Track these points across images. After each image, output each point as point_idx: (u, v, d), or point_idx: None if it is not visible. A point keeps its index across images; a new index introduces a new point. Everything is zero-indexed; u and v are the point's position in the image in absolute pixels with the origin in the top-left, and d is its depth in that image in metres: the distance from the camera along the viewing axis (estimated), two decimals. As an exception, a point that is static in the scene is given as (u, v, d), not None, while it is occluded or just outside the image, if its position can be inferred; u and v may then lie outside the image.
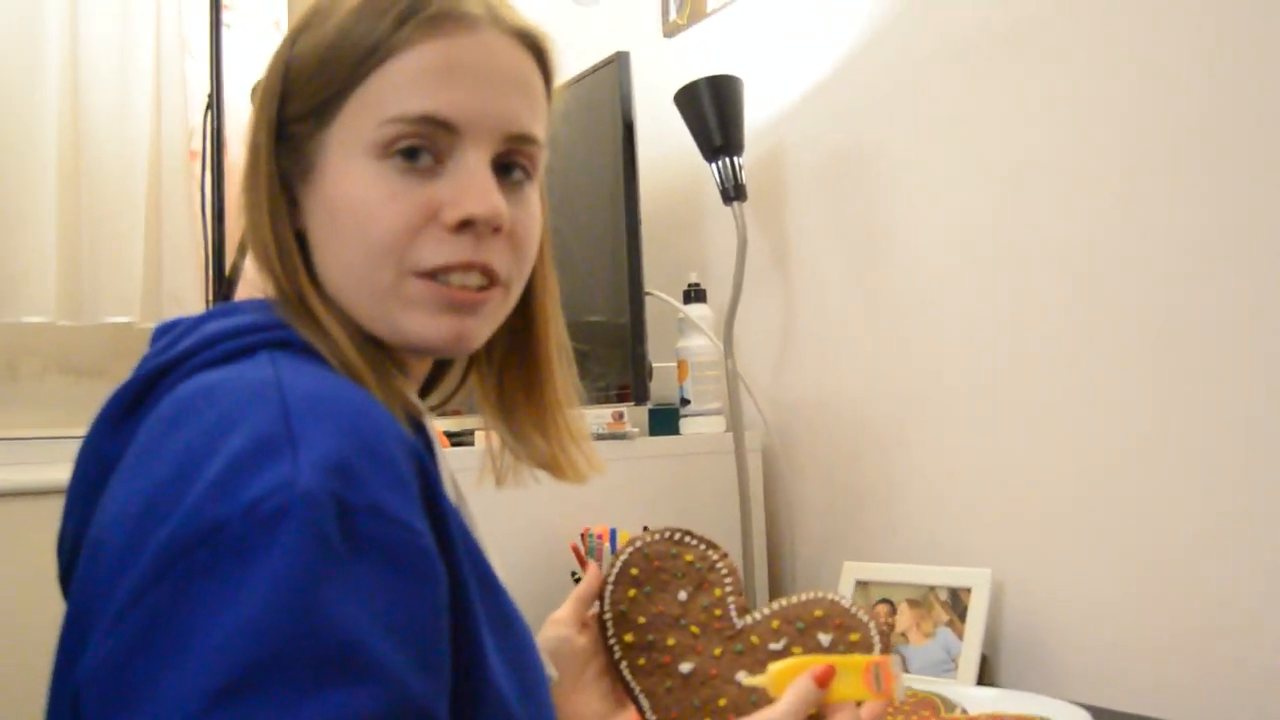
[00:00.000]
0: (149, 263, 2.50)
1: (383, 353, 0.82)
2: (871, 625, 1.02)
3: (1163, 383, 1.40)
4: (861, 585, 1.70)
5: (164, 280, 2.51)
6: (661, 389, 2.05)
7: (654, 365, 1.94)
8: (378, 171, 0.78)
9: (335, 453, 0.65)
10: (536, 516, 1.70)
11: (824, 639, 1.01)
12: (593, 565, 1.12)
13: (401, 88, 0.78)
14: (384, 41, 0.78)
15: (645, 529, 1.68)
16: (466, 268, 0.80)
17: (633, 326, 1.80)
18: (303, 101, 0.81)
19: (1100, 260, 1.47)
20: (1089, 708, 1.31)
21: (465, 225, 0.79)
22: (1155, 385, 1.41)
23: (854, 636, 1.02)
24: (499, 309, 0.85)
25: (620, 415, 1.81)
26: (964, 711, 1.31)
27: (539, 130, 0.85)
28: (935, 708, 1.32)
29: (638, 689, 1.04)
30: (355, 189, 0.78)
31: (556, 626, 1.07)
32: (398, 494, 0.66)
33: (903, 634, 1.61)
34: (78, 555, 0.74)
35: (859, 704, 0.90)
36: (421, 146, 0.78)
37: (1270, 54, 1.29)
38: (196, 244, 2.42)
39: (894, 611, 1.64)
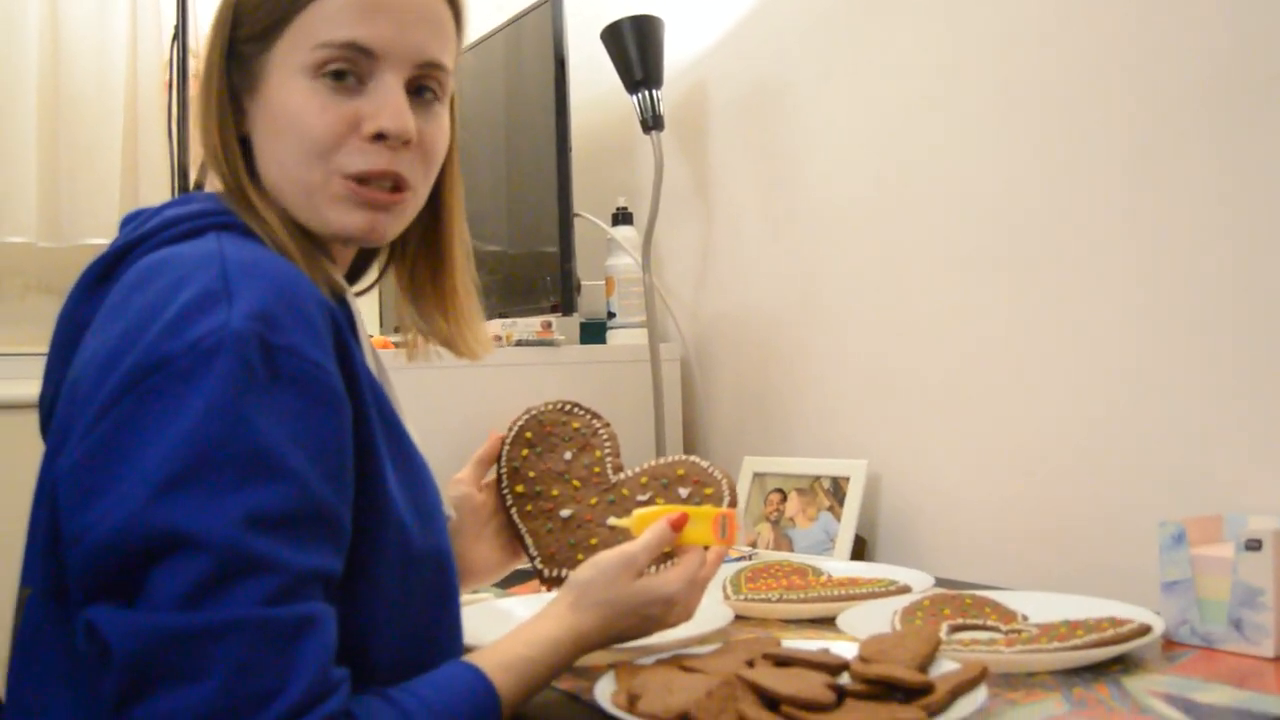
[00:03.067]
0: (125, 187, 2.64)
1: (310, 239, 1.00)
2: (724, 482, 1.21)
3: (1019, 296, 1.60)
4: (758, 476, 1.91)
5: (140, 203, 2.65)
6: (593, 304, 2.24)
7: (584, 282, 2.14)
8: (311, 88, 0.96)
9: (262, 304, 0.83)
10: (471, 410, 1.89)
11: (683, 492, 1.21)
12: (493, 432, 1.29)
13: (332, 18, 0.95)
14: None
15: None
16: (381, 175, 0.98)
17: (561, 245, 1.99)
18: (251, 26, 0.98)
19: (970, 192, 1.67)
20: (939, 578, 1.52)
21: (380, 137, 0.96)
22: (1012, 300, 1.61)
23: (708, 490, 1.22)
24: (408, 209, 1.03)
25: (548, 324, 1.99)
26: (830, 576, 1.52)
27: (447, 59, 1.02)
28: (804, 573, 1.53)
29: (523, 529, 1.23)
30: (292, 101, 0.96)
31: (458, 485, 1.27)
32: (312, 339, 0.85)
33: (791, 519, 1.82)
34: (56, 403, 0.93)
35: (706, 548, 1.10)
36: (346, 69, 0.96)
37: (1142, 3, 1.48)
38: (170, 169, 2.57)
39: (784, 499, 1.84)
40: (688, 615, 1.08)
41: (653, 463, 1.24)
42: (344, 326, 0.91)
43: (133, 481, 0.78)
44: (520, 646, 0.96)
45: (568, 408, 1.30)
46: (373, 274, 1.17)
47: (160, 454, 0.78)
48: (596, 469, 1.25)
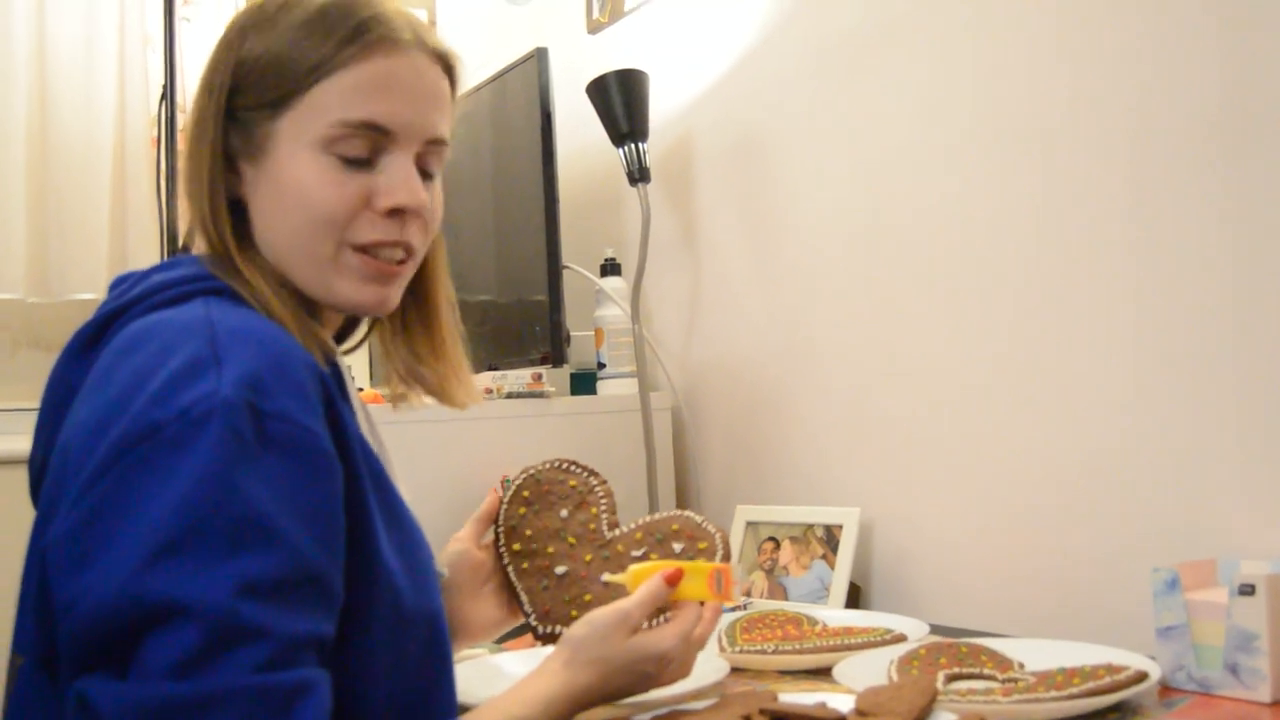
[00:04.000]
0: (114, 243, 2.66)
1: (301, 303, 1.00)
2: (718, 537, 1.21)
3: (1009, 341, 1.60)
4: (751, 525, 1.90)
5: (128, 259, 2.67)
6: (583, 355, 2.25)
7: (573, 333, 2.14)
8: (323, 163, 0.97)
9: (251, 371, 0.84)
10: (463, 463, 1.89)
11: (677, 547, 1.21)
12: (492, 490, 1.30)
13: (346, 96, 0.96)
14: (331, 58, 0.96)
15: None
16: (394, 245, 1.00)
17: (551, 297, 1.99)
18: (256, 95, 0.98)
19: (955, 237, 1.68)
20: (934, 625, 1.51)
21: (395, 212, 0.99)
22: (1002, 345, 1.61)
23: (702, 545, 1.22)
24: (409, 277, 1.05)
25: (539, 376, 2.00)
26: (825, 625, 1.51)
27: (447, 133, 1.05)
28: (799, 623, 1.52)
29: (519, 587, 1.23)
30: (303, 175, 0.97)
31: (457, 542, 1.27)
32: (301, 404, 0.86)
33: (784, 567, 1.82)
34: (46, 468, 0.93)
35: (702, 603, 1.10)
36: (361, 145, 0.97)
37: (1116, 48, 1.50)
38: (158, 224, 2.58)
39: (778, 547, 1.84)
40: (685, 673, 1.07)
41: (647, 519, 1.24)
42: (334, 389, 0.92)
43: (123, 550, 0.78)
44: (514, 706, 0.96)
45: (565, 466, 1.31)
46: (360, 332, 1.17)
47: (151, 523, 0.78)
48: (592, 525, 1.25)
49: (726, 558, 1.19)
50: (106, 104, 2.64)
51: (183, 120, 2.20)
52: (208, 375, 0.83)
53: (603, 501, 1.28)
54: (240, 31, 1.00)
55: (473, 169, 2.26)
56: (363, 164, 0.98)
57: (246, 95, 0.98)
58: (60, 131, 2.59)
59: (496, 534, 1.27)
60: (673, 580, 1.08)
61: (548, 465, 1.31)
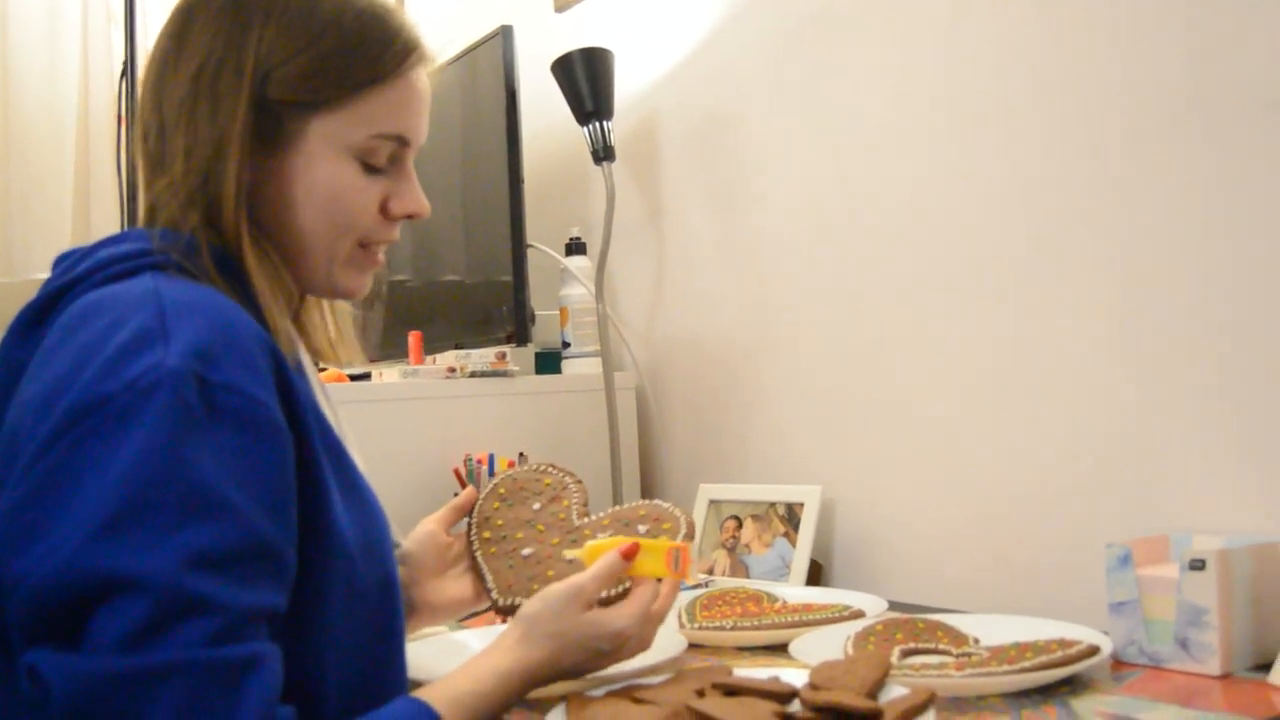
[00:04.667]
0: (77, 221, 2.64)
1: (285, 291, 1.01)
2: (682, 519, 1.22)
3: (970, 322, 1.61)
4: (714, 504, 1.91)
5: (92, 237, 2.64)
6: (548, 334, 2.25)
7: (538, 312, 2.14)
8: (353, 168, 1.01)
9: (198, 342, 0.83)
10: (427, 442, 1.89)
11: (641, 529, 1.21)
12: (471, 488, 1.33)
13: (389, 110, 1.01)
14: (383, 74, 1.00)
15: (521, 454, 1.88)
16: (390, 242, 1.07)
17: (515, 276, 1.99)
18: (293, 90, 0.97)
19: (917, 217, 1.68)
20: (892, 602, 1.52)
21: (406, 218, 1.05)
22: (963, 325, 1.62)
23: (666, 525, 1.22)
24: None
25: (503, 355, 1.99)
26: (785, 602, 1.52)
27: None
28: (759, 600, 1.53)
29: (484, 567, 1.23)
30: (337, 178, 1.00)
31: (427, 523, 1.29)
32: (250, 375, 0.85)
33: (746, 545, 1.82)
34: None
35: (660, 581, 1.10)
36: (385, 154, 1.02)
37: (1089, 23, 1.50)
38: (120, 202, 2.56)
39: (740, 526, 1.84)
40: (643, 647, 1.08)
41: (617, 507, 1.27)
42: (284, 359, 0.91)
43: (71, 524, 0.78)
44: (468, 681, 0.96)
45: (543, 468, 1.35)
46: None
47: (98, 495, 0.78)
48: (562, 515, 1.27)
49: (690, 537, 1.20)
50: (69, 80, 2.61)
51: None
52: (155, 347, 0.82)
53: (575, 497, 1.31)
54: (263, 13, 0.98)
55: (442, 149, 2.25)
56: (379, 170, 1.02)
57: (280, 87, 0.97)
58: (22, 108, 2.56)
59: (469, 525, 1.28)
60: (629, 554, 1.08)
61: (527, 467, 1.36)
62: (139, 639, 0.75)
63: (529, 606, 1.03)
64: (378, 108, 1.00)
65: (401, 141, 1.02)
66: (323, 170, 0.99)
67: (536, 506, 1.29)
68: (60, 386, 0.83)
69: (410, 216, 1.06)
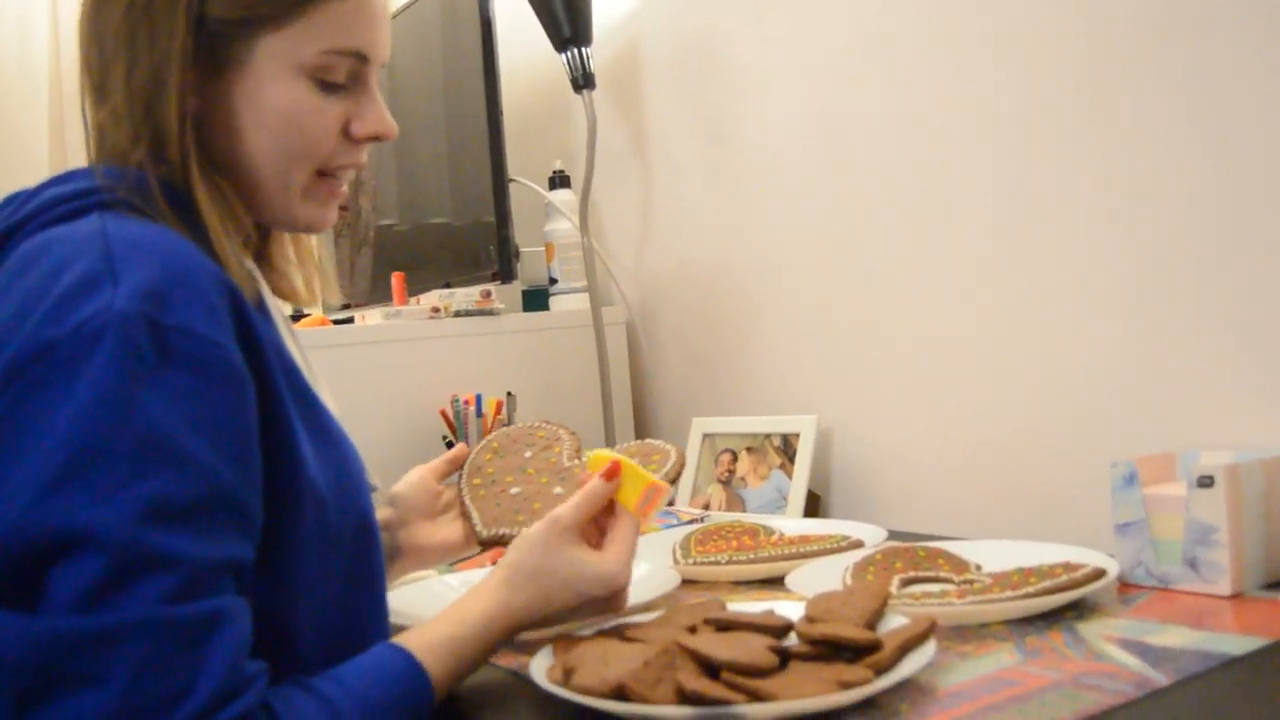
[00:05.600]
0: (54, 166, 2.58)
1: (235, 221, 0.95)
2: (672, 451, 1.19)
3: (965, 244, 1.56)
4: (708, 438, 1.87)
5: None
6: (535, 271, 2.20)
7: (523, 249, 2.09)
8: (304, 87, 0.93)
9: (148, 282, 0.79)
10: (412, 385, 1.85)
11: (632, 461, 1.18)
12: (463, 444, 1.33)
13: (342, 24, 0.93)
14: None
15: (509, 394, 1.84)
16: (356, 168, 1.00)
17: (497, 212, 1.93)
18: (236, 7, 0.90)
19: (913, 138, 1.62)
20: (892, 531, 1.49)
21: (370, 139, 0.98)
22: (959, 247, 1.57)
23: (655, 458, 1.19)
24: None
25: (488, 294, 1.95)
26: (781, 535, 1.49)
27: None
28: (755, 533, 1.49)
29: (471, 507, 1.20)
30: (288, 100, 0.93)
31: (419, 470, 1.26)
32: (205, 316, 0.80)
33: (742, 478, 1.79)
34: None
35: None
36: (342, 72, 0.95)
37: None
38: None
39: (735, 459, 1.81)
40: (626, 599, 1.03)
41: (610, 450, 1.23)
42: (244, 300, 0.86)
43: (19, 480, 0.74)
44: (450, 625, 0.92)
45: (537, 424, 1.33)
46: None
47: (47, 448, 0.74)
48: (553, 460, 1.25)
49: (680, 469, 1.16)
50: (40, 20, 2.55)
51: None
52: (102, 289, 0.78)
53: (567, 444, 1.29)
54: None
55: (422, 84, 2.19)
56: (337, 90, 0.95)
57: (220, 5, 0.91)
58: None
59: (460, 475, 1.26)
60: (611, 474, 1.03)
61: (521, 425, 1.34)
62: (95, 598, 0.72)
63: (511, 551, 0.99)
64: (327, 21, 0.92)
65: (359, 57, 0.95)
66: (273, 93, 0.92)
67: (528, 454, 1.27)
68: (4, 336, 0.78)
69: (376, 138, 0.98)
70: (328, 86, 0.94)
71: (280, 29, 0.92)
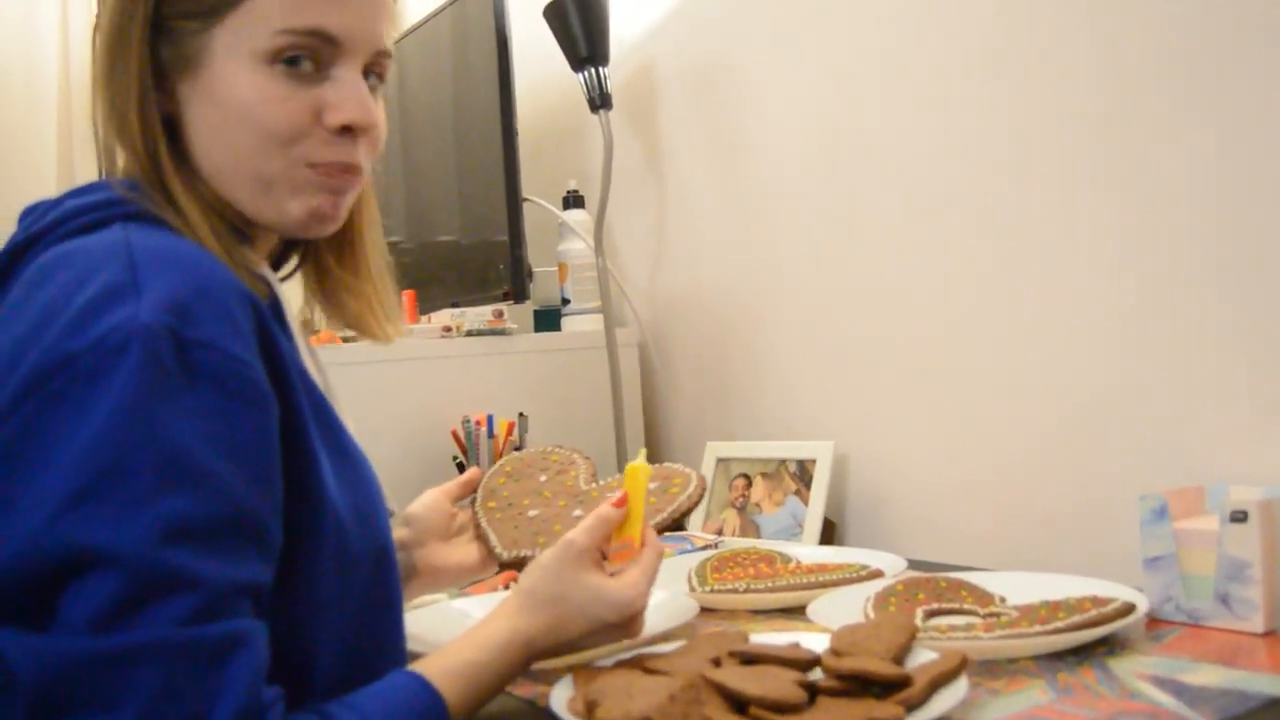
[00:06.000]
0: (62, 176, 2.56)
1: (232, 228, 0.93)
2: (693, 476, 1.17)
3: (987, 269, 1.54)
4: (722, 462, 1.85)
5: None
6: (547, 291, 2.18)
7: (536, 268, 2.07)
8: (267, 75, 0.88)
9: (173, 296, 0.77)
10: (422, 404, 1.83)
11: (651, 485, 1.16)
12: (476, 468, 1.30)
13: (292, 3, 0.88)
14: None
15: (521, 415, 1.82)
16: (344, 169, 0.92)
17: (510, 231, 1.92)
18: (185, 3, 0.89)
19: (930, 159, 1.61)
20: (911, 561, 1.47)
21: (346, 130, 0.91)
22: (980, 273, 1.55)
23: (676, 481, 1.17)
24: (357, 192, 0.97)
25: (500, 313, 1.93)
26: (798, 563, 1.46)
27: (391, 45, 0.96)
28: (772, 560, 1.47)
29: (489, 529, 1.18)
30: (246, 90, 0.88)
31: (433, 492, 1.23)
32: (229, 332, 0.78)
33: (757, 504, 1.76)
34: None
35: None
36: (304, 55, 0.89)
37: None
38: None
39: (749, 484, 1.79)
40: (643, 625, 1.01)
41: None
42: (268, 316, 0.85)
43: (37, 495, 0.72)
44: (467, 651, 0.90)
45: (550, 449, 1.31)
46: (293, 261, 1.09)
47: (66, 463, 0.72)
48: (569, 483, 1.23)
49: (700, 496, 1.15)
50: (48, 31, 2.54)
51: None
52: (126, 301, 0.75)
53: (583, 468, 1.27)
54: None
55: (434, 101, 2.18)
56: (309, 77, 0.89)
57: (174, 5, 0.89)
58: (1, 60, 2.48)
59: (474, 499, 1.24)
60: (620, 504, 1.02)
61: (534, 450, 1.32)
62: (112, 618, 0.69)
63: (526, 577, 0.97)
64: (277, 2, 0.88)
65: (321, 37, 0.89)
66: (236, 85, 0.88)
67: (543, 478, 1.25)
68: (23, 346, 0.76)
69: (349, 127, 0.90)
70: (295, 75, 0.89)
71: (231, 16, 0.88)
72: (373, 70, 0.95)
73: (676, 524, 1.13)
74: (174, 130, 0.92)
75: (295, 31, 0.88)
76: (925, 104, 1.61)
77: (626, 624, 0.98)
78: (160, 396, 0.74)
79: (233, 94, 0.88)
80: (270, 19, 0.88)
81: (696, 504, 1.14)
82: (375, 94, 0.96)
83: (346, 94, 0.90)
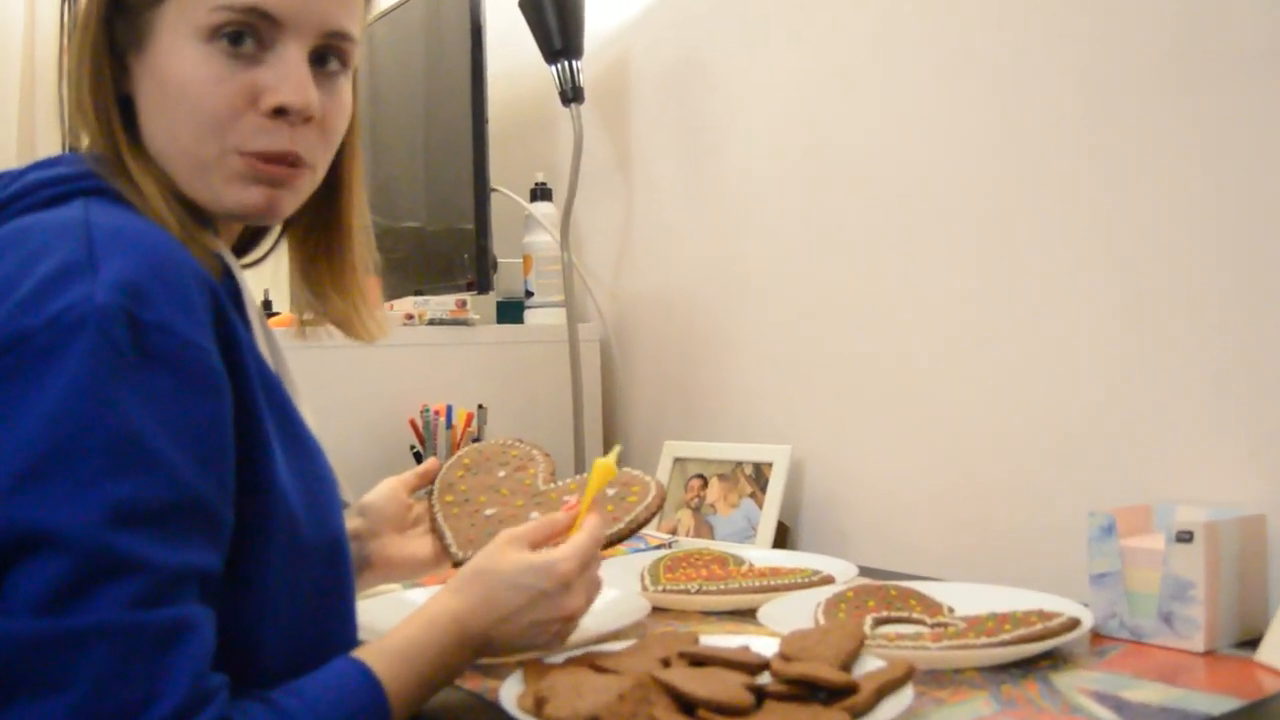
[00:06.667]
0: (22, 151, 2.54)
1: (191, 209, 0.92)
2: (652, 485, 1.17)
3: (947, 280, 1.55)
4: (679, 462, 1.85)
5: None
6: (511, 283, 2.18)
7: (501, 260, 2.07)
8: (206, 54, 0.87)
9: (130, 276, 0.76)
10: (382, 392, 1.82)
11: (610, 491, 1.16)
12: (434, 458, 1.29)
13: None
14: None
15: (480, 406, 1.82)
16: (280, 158, 0.89)
17: (477, 221, 1.92)
18: None
19: (901, 167, 1.62)
20: (862, 568, 1.48)
21: (280, 112, 0.88)
22: (940, 283, 1.56)
23: (635, 488, 1.17)
24: (306, 186, 0.94)
25: (463, 303, 1.92)
26: (751, 566, 1.47)
27: (354, 28, 0.94)
28: (725, 562, 1.48)
29: (444, 527, 1.18)
30: (184, 68, 0.87)
31: (390, 482, 1.23)
32: (186, 316, 0.78)
33: (712, 505, 1.77)
34: None
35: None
36: (246, 33, 0.87)
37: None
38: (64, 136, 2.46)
39: (705, 485, 1.79)
40: (582, 600, 0.99)
41: (584, 475, 1.21)
42: (226, 302, 0.84)
43: None
44: (400, 631, 0.91)
45: (510, 442, 1.30)
46: (264, 247, 1.09)
47: (15, 442, 0.71)
48: (527, 481, 1.23)
49: (659, 506, 1.15)
50: (14, 7, 2.50)
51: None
52: (82, 280, 0.75)
53: (542, 465, 1.27)
54: None
55: (403, 86, 2.16)
56: (249, 58, 0.87)
57: None
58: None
59: (431, 491, 1.24)
60: (570, 508, 1.03)
61: (494, 441, 1.31)
62: (59, 600, 0.69)
63: (467, 563, 0.97)
64: None
65: (258, 14, 0.86)
66: (175, 63, 0.87)
67: (501, 474, 1.25)
68: (-22, 323, 0.75)
69: (281, 110, 0.88)
70: (235, 54, 0.87)
71: None
72: (329, 54, 0.92)
73: (633, 534, 1.13)
74: (131, 109, 0.91)
75: (232, 8, 0.86)
76: (900, 112, 1.62)
77: (559, 593, 0.95)
78: (113, 378, 0.73)
79: (173, 72, 0.87)
80: None
81: (655, 514, 1.14)
82: (334, 79, 0.93)
83: (283, 74, 0.88)
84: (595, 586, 1.00)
